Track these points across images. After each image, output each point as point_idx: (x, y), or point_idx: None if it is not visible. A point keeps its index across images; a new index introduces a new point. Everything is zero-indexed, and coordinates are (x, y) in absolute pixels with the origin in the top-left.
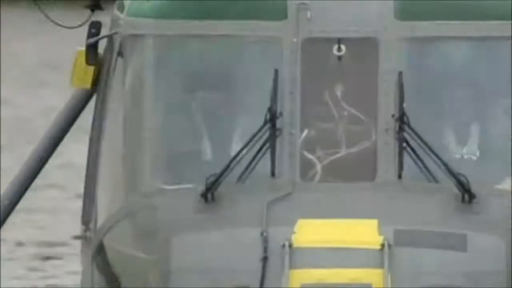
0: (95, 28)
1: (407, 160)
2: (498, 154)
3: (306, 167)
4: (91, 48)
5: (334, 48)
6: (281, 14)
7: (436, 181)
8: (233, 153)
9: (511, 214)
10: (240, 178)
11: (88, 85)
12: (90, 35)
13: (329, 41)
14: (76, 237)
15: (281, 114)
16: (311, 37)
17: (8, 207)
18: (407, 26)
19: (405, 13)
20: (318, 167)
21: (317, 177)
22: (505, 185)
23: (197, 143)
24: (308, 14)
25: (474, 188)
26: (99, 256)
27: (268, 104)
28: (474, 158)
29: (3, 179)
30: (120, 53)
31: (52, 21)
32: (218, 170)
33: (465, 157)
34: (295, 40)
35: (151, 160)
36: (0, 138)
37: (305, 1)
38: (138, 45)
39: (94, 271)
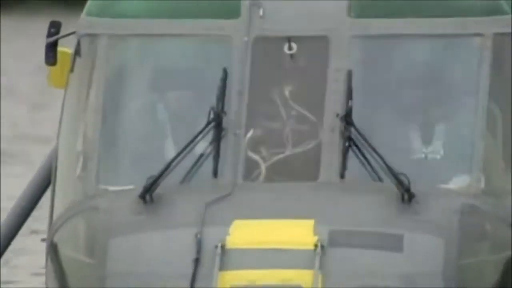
0: (54, 28)
1: (353, 160)
2: (449, 153)
3: (251, 167)
4: (50, 48)
5: (285, 47)
6: (234, 12)
7: (381, 180)
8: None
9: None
10: (184, 179)
11: (63, 85)
12: (49, 34)
13: (280, 39)
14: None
15: (224, 113)
16: (262, 35)
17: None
18: (359, 23)
19: (358, 10)
20: (263, 167)
21: (261, 177)
22: (450, 185)
23: (143, 143)
24: (260, 12)
25: (416, 188)
26: (50, 255)
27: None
28: (433, 156)
29: None
30: (77, 52)
31: None
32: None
33: (424, 155)
34: (246, 38)
35: (95, 161)
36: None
37: (258, 0)
38: (91, 44)
39: (48, 270)
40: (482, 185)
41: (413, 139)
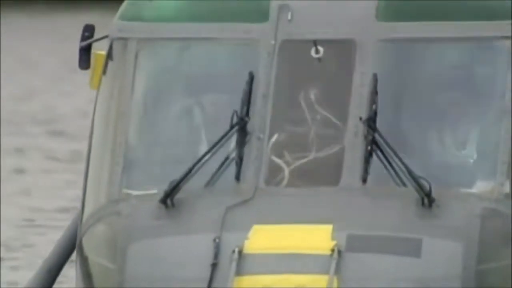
0: (88, 32)
1: (376, 164)
2: (473, 157)
3: (274, 172)
4: (84, 52)
5: (312, 50)
6: (263, 16)
7: (403, 185)
8: (210, 161)
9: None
10: (207, 183)
11: None
12: (83, 38)
13: (307, 43)
14: None
15: (248, 117)
16: (289, 39)
17: None
18: (387, 27)
19: (386, 14)
20: (286, 171)
21: (285, 182)
22: (472, 189)
23: (169, 148)
24: (289, 16)
25: (437, 192)
26: (78, 258)
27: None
28: (457, 160)
29: None
30: (109, 56)
31: None
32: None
33: (448, 160)
34: (273, 42)
35: (121, 165)
36: None
37: (287, 2)
38: (123, 48)
39: (76, 272)
40: (507, 189)
41: (438, 143)
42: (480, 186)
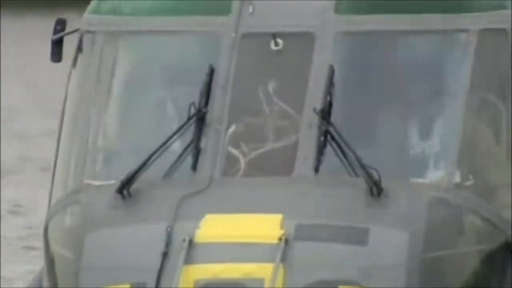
0: (60, 25)
1: (329, 154)
2: (426, 147)
3: (230, 162)
4: (56, 45)
5: (272, 43)
6: (225, 9)
7: (356, 175)
8: (167, 151)
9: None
10: (165, 174)
11: None
12: (55, 32)
13: (267, 36)
14: None
15: (206, 109)
16: (250, 32)
17: None
18: (345, 20)
19: (345, 8)
20: (242, 162)
21: (240, 173)
22: (423, 179)
23: (128, 139)
24: (250, 9)
25: (387, 182)
26: (43, 247)
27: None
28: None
29: None
30: (79, 49)
31: None
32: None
33: (400, 150)
34: (233, 35)
35: (82, 156)
36: None
37: None
38: (91, 41)
39: (44, 261)
40: (457, 179)
41: (392, 134)
42: (431, 176)
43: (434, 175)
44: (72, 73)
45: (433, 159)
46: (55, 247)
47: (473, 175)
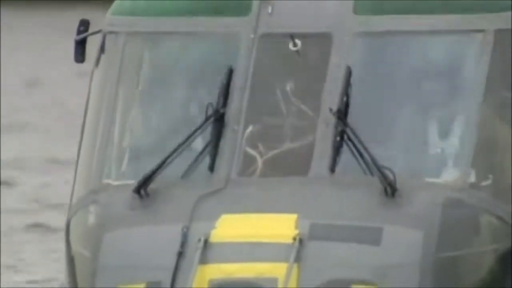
0: (83, 26)
1: (345, 154)
2: (441, 148)
3: (247, 162)
4: (79, 46)
5: (290, 44)
6: (245, 10)
7: (372, 175)
8: (186, 151)
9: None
10: (184, 174)
11: None
12: (78, 32)
13: (286, 36)
14: None
15: (224, 109)
16: (269, 32)
17: None
18: (363, 20)
19: (363, 8)
20: (259, 162)
21: (257, 173)
22: (438, 179)
23: (149, 139)
24: (269, 9)
25: (402, 182)
26: (65, 244)
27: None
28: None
29: None
30: (102, 49)
31: None
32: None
33: (417, 151)
34: (252, 35)
35: (102, 155)
36: None
37: None
38: (113, 42)
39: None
40: (472, 179)
41: (408, 134)
42: (446, 176)
43: (449, 175)
44: (94, 73)
45: (448, 159)
46: (75, 246)
47: (491, 175)
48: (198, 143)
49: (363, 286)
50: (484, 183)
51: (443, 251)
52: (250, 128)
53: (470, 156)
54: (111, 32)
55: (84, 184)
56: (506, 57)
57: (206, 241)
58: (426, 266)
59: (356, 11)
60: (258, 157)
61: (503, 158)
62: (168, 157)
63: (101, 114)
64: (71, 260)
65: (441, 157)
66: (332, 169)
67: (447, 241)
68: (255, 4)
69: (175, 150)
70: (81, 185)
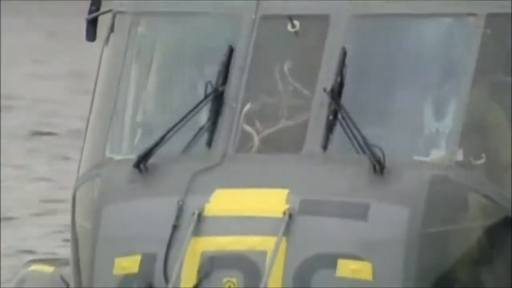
0: (94, 5)
1: (337, 133)
2: (429, 127)
3: (244, 139)
4: (90, 25)
5: (289, 25)
6: None
7: (364, 153)
8: (186, 127)
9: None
10: (183, 149)
11: None
12: (90, 11)
13: (286, 17)
14: None
15: (223, 87)
16: (269, 14)
17: None
18: (360, 3)
19: None
20: (256, 139)
21: (254, 149)
22: (427, 158)
23: (150, 116)
24: None
25: (391, 160)
26: (71, 217)
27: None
28: (414, 130)
29: None
30: (112, 28)
31: None
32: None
33: (406, 130)
34: (253, 17)
35: (105, 131)
36: None
37: None
38: (121, 21)
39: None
40: (459, 158)
41: (399, 114)
42: (434, 155)
43: (437, 154)
44: (104, 51)
45: (437, 138)
46: (78, 218)
47: (483, 155)
48: (199, 120)
49: (349, 260)
50: (474, 162)
51: (428, 226)
52: (248, 106)
53: (458, 136)
54: (119, 12)
55: (90, 158)
56: (499, 40)
57: (199, 215)
58: (412, 241)
59: None
60: (254, 134)
61: (495, 139)
62: (167, 133)
63: (107, 91)
64: (74, 232)
65: (431, 137)
66: (325, 147)
67: (433, 217)
68: None
69: (174, 126)
70: (87, 159)
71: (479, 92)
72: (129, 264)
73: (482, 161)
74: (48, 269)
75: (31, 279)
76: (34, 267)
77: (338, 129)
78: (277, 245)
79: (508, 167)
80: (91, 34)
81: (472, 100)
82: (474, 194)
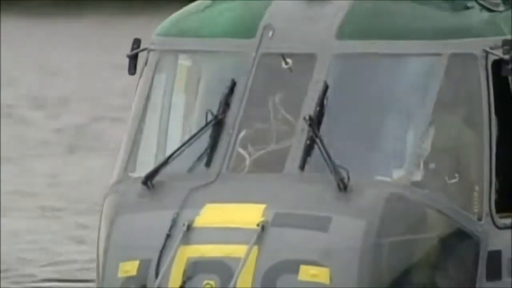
0: (135, 44)
1: (315, 155)
2: (391, 151)
3: (238, 161)
4: (131, 60)
5: (283, 62)
6: (251, 33)
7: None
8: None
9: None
10: (188, 169)
11: None
12: (131, 49)
13: (280, 56)
14: None
15: (223, 115)
16: (268, 52)
17: None
18: (342, 44)
19: (344, 33)
20: (248, 161)
21: (246, 169)
22: (386, 177)
23: (164, 140)
24: (270, 33)
25: (355, 180)
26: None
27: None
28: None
29: None
30: (146, 63)
31: None
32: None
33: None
34: (253, 55)
35: (127, 153)
36: None
37: (272, 22)
38: (151, 58)
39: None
40: (417, 178)
41: (368, 140)
42: (395, 175)
43: (398, 174)
44: (139, 83)
45: (397, 161)
46: (101, 226)
47: (455, 174)
48: (201, 144)
49: (310, 266)
50: (430, 182)
51: (382, 237)
52: (243, 132)
53: (414, 157)
54: (152, 50)
55: (116, 173)
56: (458, 76)
57: (189, 226)
58: (366, 250)
59: (337, 36)
60: (247, 156)
61: (467, 159)
62: (172, 154)
63: (135, 116)
64: (98, 237)
65: (393, 159)
66: (302, 168)
67: (387, 229)
68: (259, 28)
69: (178, 149)
70: (114, 174)
71: (439, 122)
72: (130, 268)
73: (455, 180)
74: None
75: None
76: None
77: (315, 152)
78: (247, 252)
79: (479, 184)
80: (132, 69)
81: (430, 128)
82: (427, 209)
